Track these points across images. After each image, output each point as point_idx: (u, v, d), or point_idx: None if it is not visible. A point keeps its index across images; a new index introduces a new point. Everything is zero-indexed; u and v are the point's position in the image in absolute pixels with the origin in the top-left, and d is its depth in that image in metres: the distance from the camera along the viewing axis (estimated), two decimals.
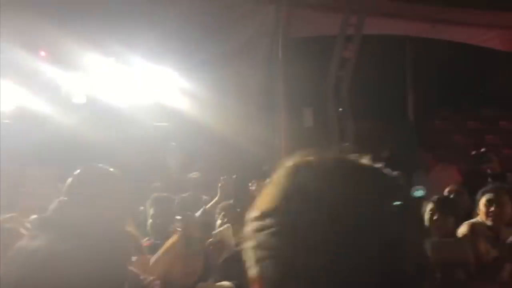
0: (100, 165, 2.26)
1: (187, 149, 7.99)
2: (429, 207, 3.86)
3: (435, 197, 3.97)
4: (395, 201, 0.91)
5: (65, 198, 2.16)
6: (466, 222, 4.06)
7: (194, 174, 6.61)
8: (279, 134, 7.87)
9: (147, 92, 7.90)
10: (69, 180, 2.22)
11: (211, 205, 5.65)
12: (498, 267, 3.58)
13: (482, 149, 6.30)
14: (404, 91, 9.80)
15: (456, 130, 10.04)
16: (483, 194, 4.08)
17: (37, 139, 7.74)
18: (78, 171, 2.22)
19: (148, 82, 7.84)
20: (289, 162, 0.96)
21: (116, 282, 2.09)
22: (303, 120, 8.00)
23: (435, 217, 3.79)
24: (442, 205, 3.88)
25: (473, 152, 6.29)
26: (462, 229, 3.98)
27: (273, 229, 0.89)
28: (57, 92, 7.66)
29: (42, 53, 7.67)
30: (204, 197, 5.87)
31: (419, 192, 3.39)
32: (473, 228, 3.96)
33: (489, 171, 5.90)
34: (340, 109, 7.44)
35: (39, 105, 7.83)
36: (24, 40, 7.33)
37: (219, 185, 5.95)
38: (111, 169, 2.24)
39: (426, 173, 6.74)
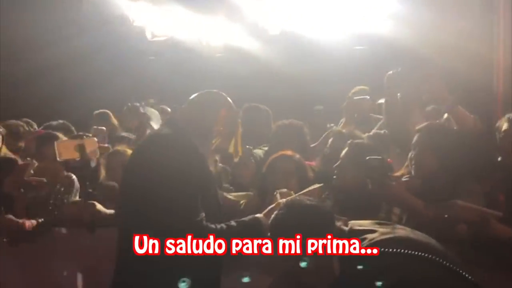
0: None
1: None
2: None
3: None
4: None
5: (186, 106, 2.90)
6: None
7: None
8: (498, 48, 6.48)
9: (344, 16, 7.28)
10: (193, 96, 2.89)
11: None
12: None
13: None
14: None
15: None
16: None
17: (241, 72, 7.91)
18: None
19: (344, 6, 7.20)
20: None
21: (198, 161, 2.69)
22: None
23: None
24: None
25: None
26: None
27: None
28: (255, 26, 7.63)
29: None
30: None
31: None
32: None
33: None
34: None
35: (242, 40, 7.95)
36: None
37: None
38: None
39: None
